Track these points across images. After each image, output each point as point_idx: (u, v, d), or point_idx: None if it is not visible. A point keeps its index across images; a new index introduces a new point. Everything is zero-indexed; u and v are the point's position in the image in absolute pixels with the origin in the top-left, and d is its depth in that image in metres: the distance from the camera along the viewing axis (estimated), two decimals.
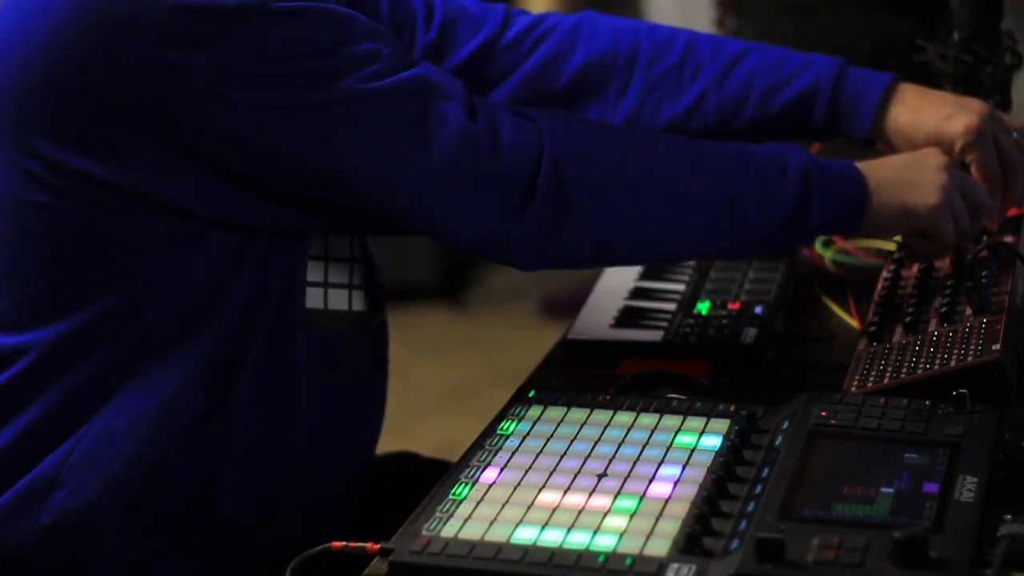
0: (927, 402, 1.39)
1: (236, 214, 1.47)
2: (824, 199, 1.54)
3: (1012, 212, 1.74)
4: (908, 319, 1.59)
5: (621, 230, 1.52)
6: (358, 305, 1.60)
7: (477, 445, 1.41)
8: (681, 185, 1.53)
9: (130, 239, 1.46)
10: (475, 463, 1.37)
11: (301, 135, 1.43)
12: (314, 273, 1.55)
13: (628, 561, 1.20)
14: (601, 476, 1.34)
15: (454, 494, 1.32)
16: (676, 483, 1.32)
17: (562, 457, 1.37)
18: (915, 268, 1.72)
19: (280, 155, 1.44)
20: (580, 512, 1.28)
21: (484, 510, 1.29)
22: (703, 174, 1.54)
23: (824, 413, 1.38)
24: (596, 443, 1.39)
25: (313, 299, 1.55)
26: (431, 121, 1.45)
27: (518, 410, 1.47)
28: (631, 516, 1.27)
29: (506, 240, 1.48)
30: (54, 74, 1.41)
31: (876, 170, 1.59)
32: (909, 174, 1.59)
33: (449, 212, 1.47)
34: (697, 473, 1.33)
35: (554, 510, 1.29)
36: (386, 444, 1.76)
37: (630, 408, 1.45)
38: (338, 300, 1.58)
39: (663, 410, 1.44)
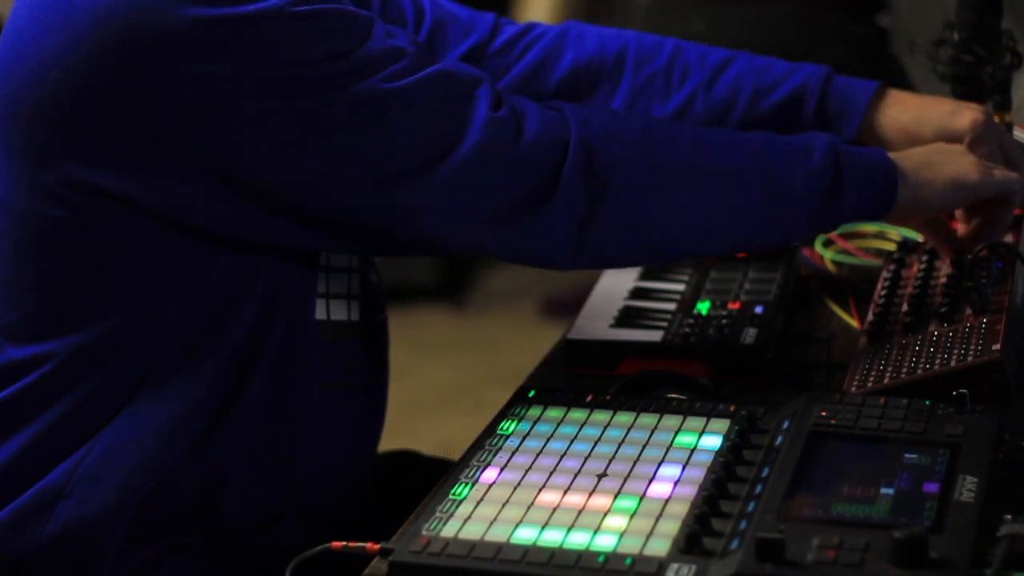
0: (927, 402, 1.39)
1: (252, 231, 1.45)
2: (853, 173, 1.53)
3: None
4: (908, 319, 1.59)
5: (657, 208, 1.48)
6: (356, 314, 1.60)
7: (477, 445, 1.41)
8: (713, 159, 1.51)
9: (144, 253, 1.44)
10: (475, 463, 1.37)
11: (326, 141, 1.40)
12: (318, 285, 1.54)
13: (628, 561, 1.20)
14: (601, 476, 1.34)
15: (454, 494, 1.32)
16: (676, 483, 1.32)
17: (562, 457, 1.37)
18: (915, 268, 1.72)
19: (303, 163, 1.40)
20: (580, 512, 1.28)
21: (484, 510, 1.29)
22: (733, 150, 1.53)
23: (824, 413, 1.38)
24: (596, 443, 1.39)
25: (317, 310, 1.54)
26: (460, 116, 1.43)
27: (518, 410, 1.46)
28: (631, 516, 1.27)
29: (542, 232, 1.46)
30: (73, 88, 1.39)
31: (907, 157, 1.58)
32: (940, 156, 1.59)
33: (479, 203, 1.44)
34: (697, 473, 1.33)
35: (554, 510, 1.29)
36: (386, 444, 1.76)
37: (630, 408, 1.45)
38: (339, 310, 1.57)
39: (663, 410, 1.44)
